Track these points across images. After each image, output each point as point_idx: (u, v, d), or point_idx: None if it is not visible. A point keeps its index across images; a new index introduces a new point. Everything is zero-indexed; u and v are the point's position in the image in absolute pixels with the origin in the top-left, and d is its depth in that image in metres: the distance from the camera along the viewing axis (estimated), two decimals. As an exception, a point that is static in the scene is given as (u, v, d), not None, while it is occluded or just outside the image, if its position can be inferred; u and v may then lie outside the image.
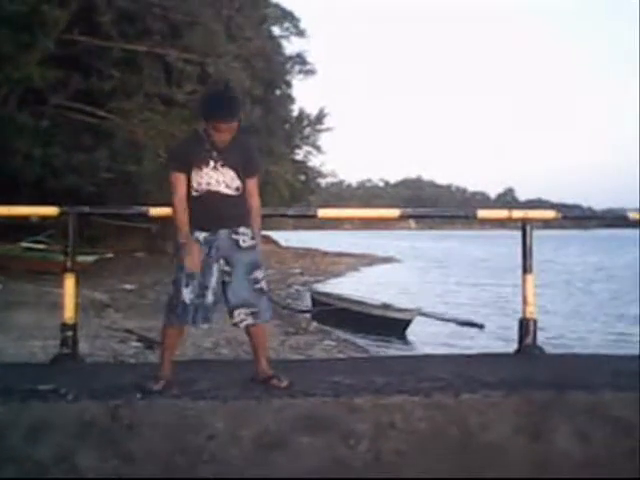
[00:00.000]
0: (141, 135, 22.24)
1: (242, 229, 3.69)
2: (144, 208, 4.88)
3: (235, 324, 3.70)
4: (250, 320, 3.70)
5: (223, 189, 3.65)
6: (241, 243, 3.68)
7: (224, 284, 3.66)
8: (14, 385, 3.57)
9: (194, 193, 3.64)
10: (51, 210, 4.61)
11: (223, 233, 3.65)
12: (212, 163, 3.63)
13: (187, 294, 3.61)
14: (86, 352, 4.36)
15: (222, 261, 3.65)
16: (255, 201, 3.76)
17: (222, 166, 3.64)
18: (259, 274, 3.71)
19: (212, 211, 3.63)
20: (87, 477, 3.20)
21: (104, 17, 20.78)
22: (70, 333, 4.43)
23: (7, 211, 4.87)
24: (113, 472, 3.22)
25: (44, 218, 4.31)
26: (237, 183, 3.67)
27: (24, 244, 20.28)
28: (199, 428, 3.33)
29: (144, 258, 28.12)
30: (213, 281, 3.64)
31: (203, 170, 3.63)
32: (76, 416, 3.29)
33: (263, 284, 3.72)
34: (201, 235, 3.65)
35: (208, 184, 3.64)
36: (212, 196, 3.63)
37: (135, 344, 9.66)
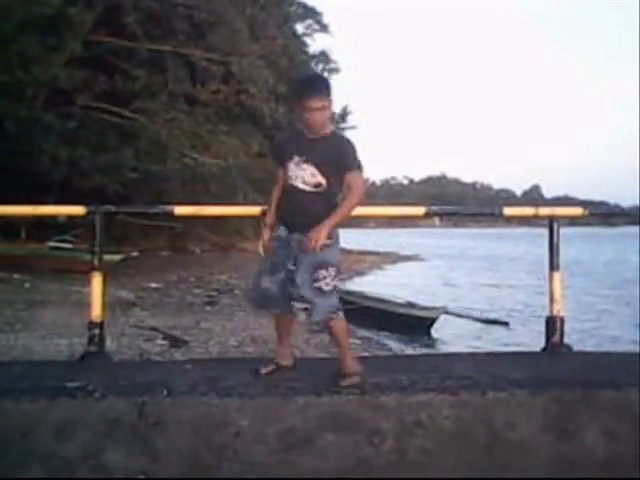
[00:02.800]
0: (166, 134, 22.40)
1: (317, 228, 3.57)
2: (169, 207, 4.89)
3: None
4: (304, 316, 3.88)
5: (300, 184, 3.65)
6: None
7: (290, 281, 3.69)
8: (42, 382, 3.61)
9: (285, 187, 3.72)
10: (78, 209, 4.65)
11: (297, 235, 3.65)
12: (296, 158, 3.65)
13: (262, 281, 3.74)
14: (113, 350, 4.40)
15: (292, 260, 3.69)
16: (350, 195, 3.63)
17: (305, 162, 3.63)
18: (322, 274, 3.64)
19: (291, 207, 3.70)
20: (114, 473, 3.23)
21: (129, 18, 20.96)
22: (97, 331, 4.46)
23: (34, 210, 4.91)
24: (140, 469, 3.24)
25: (71, 217, 4.35)
26: (317, 180, 3.62)
27: (51, 243, 20.51)
28: (225, 425, 3.34)
29: (169, 257, 28.32)
30: (280, 276, 3.70)
31: (288, 165, 3.68)
32: (103, 413, 3.32)
33: (322, 284, 3.64)
34: (283, 232, 3.74)
35: (289, 178, 3.68)
36: (292, 191, 3.68)
37: (161, 342, 9.73)
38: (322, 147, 3.63)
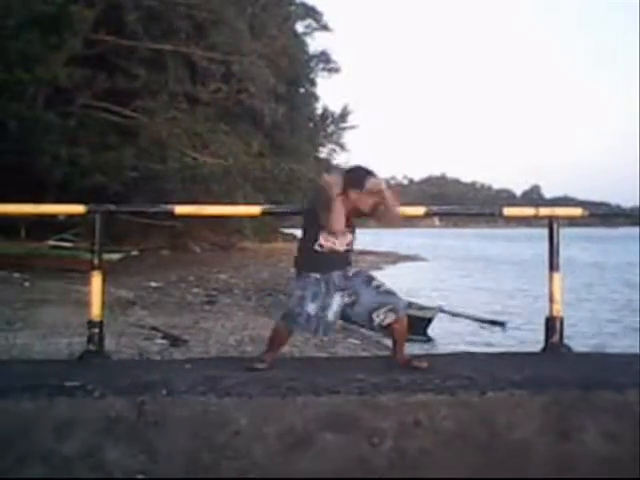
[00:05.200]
0: (166, 134, 22.40)
1: (349, 268, 4.18)
2: (169, 206, 4.90)
3: (379, 326, 4.09)
4: (392, 316, 4.05)
5: (339, 247, 4.12)
6: (349, 274, 4.15)
7: (350, 305, 4.10)
8: (42, 381, 3.61)
9: (317, 248, 4.09)
10: (78, 208, 4.65)
11: (335, 273, 4.10)
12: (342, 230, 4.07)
13: (311, 307, 4.01)
14: (112, 349, 4.40)
15: (340, 292, 4.08)
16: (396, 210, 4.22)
17: (346, 232, 4.11)
18: (378, 282, 4.16)
19: (329, 261, 4.11)
20: (113, 473, 3.23)
21: (130, 16, 20.95)
22: (97, 330, 4.47)
23: (34, 209, 4.92)
24: (139, 468, 3.24)
25: (71, 216, 4.36)
26: (349, 239, 4.16)
27: (51, 242, 20.50)
28: (224, 425, 3.35)
29: (169, 256, 28.31)
30: (334, 303, 4.05)
31: (332, 235, 4.06)
32: (103, 412, 3.32)
33: (387, 287, 4.14)
34: (316, 275, 4.09)
35: (333, 244, 4.10)
36: (332, 252, 4.11)
37: (160, 341, 9.71)
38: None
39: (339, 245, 4.10)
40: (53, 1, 16.22)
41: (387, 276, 30.93)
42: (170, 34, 23.25)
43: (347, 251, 4.19)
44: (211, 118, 24.64)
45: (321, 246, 4.09)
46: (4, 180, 19.00)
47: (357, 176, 4.08)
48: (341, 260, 4.14)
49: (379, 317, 4.05)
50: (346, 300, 4.09)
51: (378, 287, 4.11)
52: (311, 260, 4.14)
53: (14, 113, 17.84)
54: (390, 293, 4.11)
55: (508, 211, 5.15)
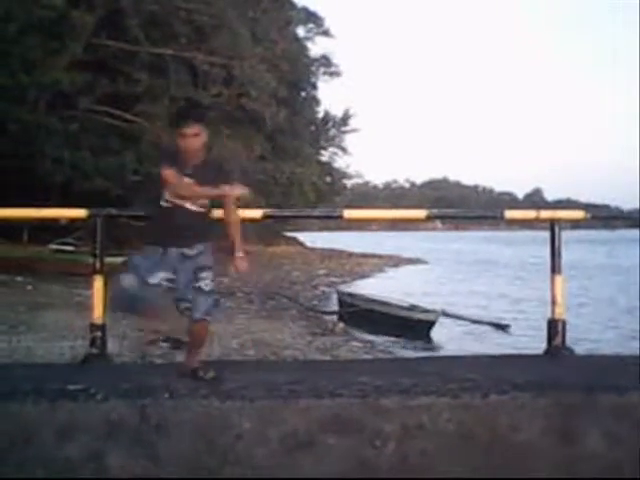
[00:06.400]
0: (167, 138, 22.38)
1: (197, 246, 3.87)
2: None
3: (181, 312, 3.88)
4: (188, 314, 3.86)
5: (187, 204, 3.83)
6: (187, 252, 3.84)
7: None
8: (44, 385, 3.60)
9: (163, 204, 3.85)
10: (80, 212, 4.66)
11: (174, 251, 3.82)
12: (186, 179, 3.81)
13: (128, 282, 3.77)
14: (115, 352, 4.40)
15: (170, 271, 3.83)
16: (232, 215, 3.95)
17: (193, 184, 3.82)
18: (203, 275, 3.85)
19: (173, 225, 3.82)
20: (116, 476, 3.23)
21: (131, 21, 20.98)
22: (99, 333, 4.47)
23: (37, 213, 4.93)
24: (142, 471, 3.24)
25: (73, 220, 4.36)
26: (202, 200, 3.86)
27: (53, 246, 20.54)
28: (226, 428, 3.35)
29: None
30: (157, 279, 3.80)
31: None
32: (105, 416, 3.32)
33: (202, 284, 3.83)
34: (155, 250, 3.84)
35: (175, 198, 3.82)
36: (177, 210, 3.82)
37: (162, 344, 9.72)
38: (204, 168, 3.85)
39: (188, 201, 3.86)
40: (54, 6, 16.24)
41: (390, 279, 30.96)
42: (171, 39, 23.29)
43: (201, 214, 3.89)
44: (213, 122, 24.66)
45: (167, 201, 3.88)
46: (6, 184, 19.03)
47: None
48: (188, 225, 3.85)
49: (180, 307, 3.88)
50: (171, 277, 3.85)
51: (196, 280, 3.82)
52: (154, 225, 4.02)
53: (16, 117, 17.86)
54: (200, 293, 3.82)
55: (510, 214, 5.17)
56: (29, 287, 16.57)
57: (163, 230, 3.84)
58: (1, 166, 19.18)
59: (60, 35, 18.29)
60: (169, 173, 3.80)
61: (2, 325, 11.13)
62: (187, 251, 3.83)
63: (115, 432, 3.29)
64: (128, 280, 3.75)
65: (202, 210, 3.87)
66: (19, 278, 17.66)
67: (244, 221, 4.23)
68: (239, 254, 3.91)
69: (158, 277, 3.78)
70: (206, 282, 3.84)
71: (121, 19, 21.08)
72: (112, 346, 4.30)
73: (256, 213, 5.01)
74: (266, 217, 4.97)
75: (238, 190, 3.86)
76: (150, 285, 3.75)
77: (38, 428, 3.27)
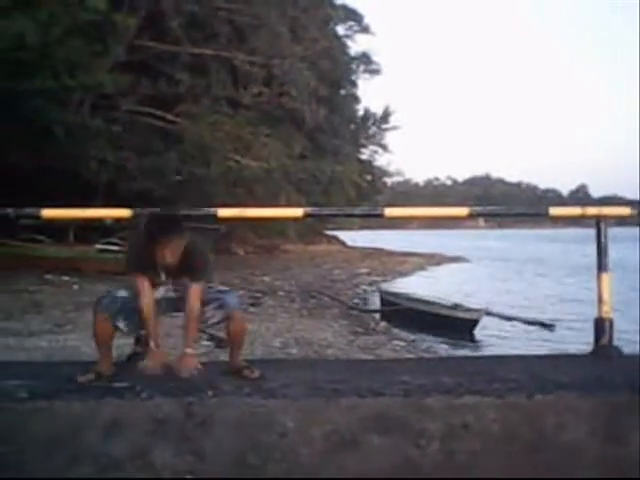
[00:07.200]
0: (209, 138, 22.58)
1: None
2: (212, 209, 4.93)
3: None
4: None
5: (171, 294, 3.95)
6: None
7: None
8: (91, 383, 3.66)
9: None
10: (124, 212, 4.72)
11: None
12: (163, 282, 3.88)
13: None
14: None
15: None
16: (194, 305, 3.81)
17: (172, 284, 3.90)
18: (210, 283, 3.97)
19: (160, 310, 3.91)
20: (162, 473, 3.26)
21: (172, 22, 21.18)
22: (144, 332, 4.51)
23: (82, 213, 5.00)
24: (187, 468, 3.27)
25: (117, 220, 4.41)
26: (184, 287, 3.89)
27: (98, 246, 20.84)
28: (270, 426, 3.36)
29: (212, 258, 28.49)
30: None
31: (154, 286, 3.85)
32: (150, 413, 3.36)
33: (218, 288, 4.01)
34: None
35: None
36: (163, 301, 3.92)
37: (206, 343, 9.78)
38: (181, 266, 3.81)
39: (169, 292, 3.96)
40: (97, 9, 16.47)
41: (431, 277, 30.77)
42: (211, 39, 23.47)
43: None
44: (253, 121, 24.80)
45: None
46: (53, 185, 19.39)
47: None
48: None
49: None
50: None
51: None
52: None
53: (61, 119, 18.17)
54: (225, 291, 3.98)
55: (554, 211, 5.07)
56: (75, 286, 16.86)
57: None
58: (47, 168, 19.54)
59: (103, 37, 18.54)
60: (141, 282, 3.79)
61: (49, 324, 11.34)
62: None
63: (161, 429, 3.32)
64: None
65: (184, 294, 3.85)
66: (65, 278, 17.98)
67: (285, 219, 4.24)
68: (189, 351, 3.77)
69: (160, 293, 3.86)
70: (217, 285, 3.99)
71: (162, 20, 21.31)
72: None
73: (297, 212, 5.01)
74: (307, 216, 4.97)
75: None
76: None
77: (85, 425, 3.32)
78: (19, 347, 9.12)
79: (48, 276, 17.89)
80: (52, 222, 17.12)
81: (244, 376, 3.81)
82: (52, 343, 9.52)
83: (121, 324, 3.84)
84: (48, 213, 4.72)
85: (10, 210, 4.61)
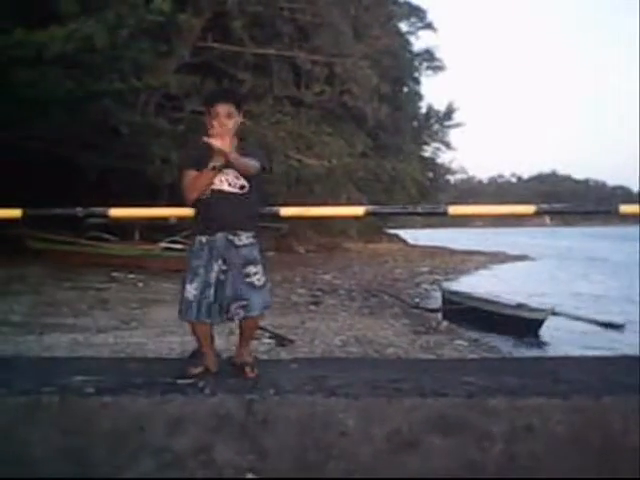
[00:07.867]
0: (271, 137, 22.73)
1: (240, 232, 3.77)
2: (275, 208, 4.95)
3: (229, 319, 3.79)
4: (242, 313, 3.78)
5: (226, 187, 3.74)
6: (237, 242, 3.76)
7: (222, 282, 3.74)
8: (155, 379, 3.73)
9: (201, 197, 3.75)
10: (188, 211, 4.78)
11: (221, 235, 3.74)
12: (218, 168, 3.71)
13: (191, 290, 3.73)
14: (222, 348, 4.50)
15: (220, 260, 3.74)
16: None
17: (225, 167, 3.69)
18: (252, 269, 3.76)
19: (215, 211, 3.74)
20: (223, 469, 3.30)
21: (236, 23, 21.39)
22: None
23: (148, 212, 5.08)
24: (248, 466, 3.29)
25: (182, 219, 4.45)
26: (241, 182, 3.76)
27: (163, 244, 21.24)
28: (331, 425, 3.35)
29: (274, 256, 28.75)
30: (213, 277, 3.73)
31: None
32: (213, 410, 3.39)
33: (255, 279, 3.77)
34: (203, 238, 3.77)
35: (213, 184, 3.72)
36: (215, 195, 3.73)
37: (267, 341, 9.87)
38: (237, 150, 3.68)
39: (223, 183, 3.74)
40: (162, 11, 16.74)
41: (495, 276, 30.33)
42: (274, 38, 23.62)
43: (241, 196, 3.76)
44: (315, 120, 24.88)
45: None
46: (118, 185, 19.83)
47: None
48: (229, 210, 3.73)
49: (234, 310, 3.75)
50: (223, 267, 3.74)
51: (247, 276, 3.74)
52: (199, 215, 3.84)
53: (128, 120, 18.55)
54: (253, 288, 3.75)
55: (625, 209, 4.92)
56: (140, 284, 17.22)
57: (207, 220, 3.78)
58: (114, 168, 19.99)
59: (168, 39, 18.85)
60: (189, 174, 3.74)
61: (116, 321, 11.61)
62: (234, 239, 3.76)
63: (223, 426, 3.36)
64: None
65: (242, 192, 3.76)
66: (131, 275, 18.39)
67: (347, 218, 4.22)
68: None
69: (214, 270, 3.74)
70: (258, 277, 3.78)
71: (226, 21, 21.55)
72: (220, 342, 4.38)
73: (358, 210, 4.98)
74: (368, 214, 4.93)
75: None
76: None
77: (149, 421, 3.38)
78: (87, 343, 9.37)
79: (115, 274, 18.32)
80: (118, 221, 17.55)
81: (245, 373, 3.81)
82: (118, 339, 9.74)
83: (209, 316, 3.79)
84: (115, 212, 4.81)
85: (79, 209, 4.70)
